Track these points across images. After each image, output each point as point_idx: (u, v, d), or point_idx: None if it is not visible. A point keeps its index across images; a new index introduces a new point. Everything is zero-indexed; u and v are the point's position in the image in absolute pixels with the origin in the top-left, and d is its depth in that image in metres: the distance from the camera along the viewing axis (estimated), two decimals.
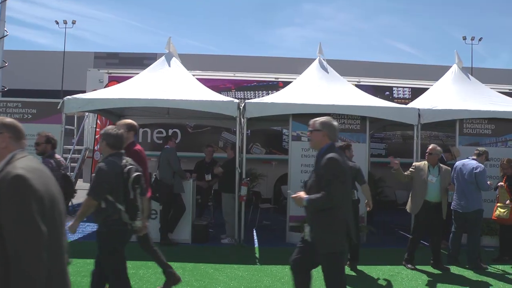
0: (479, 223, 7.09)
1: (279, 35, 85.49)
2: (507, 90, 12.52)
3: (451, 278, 6.38)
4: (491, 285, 6.05)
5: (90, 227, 9.36)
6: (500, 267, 6.96)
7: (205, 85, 9.16)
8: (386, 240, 8.92)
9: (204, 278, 6.01)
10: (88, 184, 11.76)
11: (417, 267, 6.85)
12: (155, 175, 8.15)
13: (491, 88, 10.37)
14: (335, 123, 3.99)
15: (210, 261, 6.81)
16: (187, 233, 8.16)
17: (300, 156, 8.31)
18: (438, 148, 6.98)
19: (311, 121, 3.97)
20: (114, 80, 11.45)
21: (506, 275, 6.56)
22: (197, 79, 9.60)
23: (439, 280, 6.23)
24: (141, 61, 29.22)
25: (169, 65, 9.26)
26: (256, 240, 8.62)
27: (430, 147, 6.96)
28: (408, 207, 7.10)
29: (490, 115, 8.64)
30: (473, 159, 7.12)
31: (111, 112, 10.00)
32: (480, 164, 6.96)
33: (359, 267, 6.74)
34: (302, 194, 3.79)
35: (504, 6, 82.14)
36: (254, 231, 9.35)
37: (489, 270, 6.82)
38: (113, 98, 8.10)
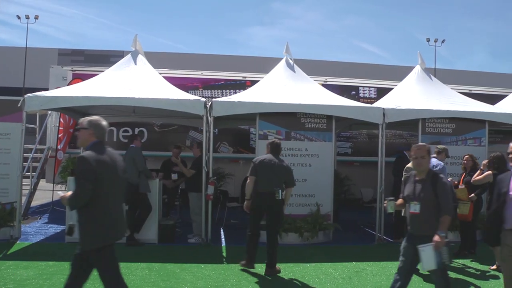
0: None
1: (248, 34, 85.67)
2: (467, 91, 12.94)
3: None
4: (452, 278, 6.23)
5: (53, 229, 9.15)
6: (461, 261, 7.19)
7: (172, 84, 9.07)
8: (351, 237, 9.07)
9: (171, 278, 5.96)
10: (51, 184, 11.55)
11: (381, 263, 7.00)
12: None
13: (452, 89, 10.70)
14: (104, 122, 4.04)
15: (177, 261, 6.76)
16: (154, 233, 8.08)
17: None
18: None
19: (80, 120, 4.02)
20: (78, 77, 11.20)
21: (466, 269, 6.79)
22: (164, 77, 9.50)
23: None
24: (108, 58, 28.64)
25: (135, 63, 9.12)
26: (223, 239, 8.61)
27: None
28: None
29: (450, 114, 8.90)
30: (433, 157, 7.33)
31: (74, 111, 9.78)
32: (440, 162, 7.19)
33: (327, 264, 6.84)
34: (67, 194, 3.80)
35: (466, 10, 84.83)
36: (222, 230, 9.34)
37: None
38: (77, 96, 7.91)
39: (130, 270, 6.19)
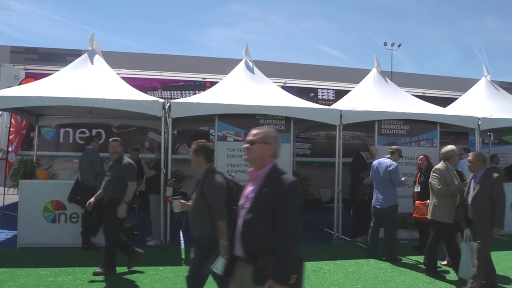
0: (394, 217, 7.54)
1: (208, 35, 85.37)
2: (421, 94, 13.41)
3: (369, 270, 6.71)
4: (404, 274, 6.45)
5: (4, 234, 8.83)
6: (414, 257, 7.44)
7: (131, 84, 8.93)
8: (310, 237, 9.20)
9: (128, 281, 5.88)
10: (1, 188, 11.11)
11: (338, 261, 7.15)
12: (76, 176, 7.85)
13: (406, 92, 11.05)
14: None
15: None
16: None
17: (226, 156, 8.36)
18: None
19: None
20: (31, 76, 10.83)
21: (418, 265, 7.03)
22: (122, 78, 9.34)
23: (358, 273, 6.54)
24: (64, 57, 27.66)
25: (92, 63, 8.92)
26: (182, 241, 8.55)
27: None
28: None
29: (405, 116, 9.20)
30: (387, 157, 7.58)
31: (27, 111, 9.47)
32: (393, 162, 7.43)
33: None
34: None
35: (421, 16, 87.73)
36: (181, 232, 9.27)
37: (404, 261, 7.27)
38: (29, 96, 7.65)
39: (86, 275, 6.07)
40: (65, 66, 9.13)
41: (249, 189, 2.94)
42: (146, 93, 9.47)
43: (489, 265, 5.70)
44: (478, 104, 10.64)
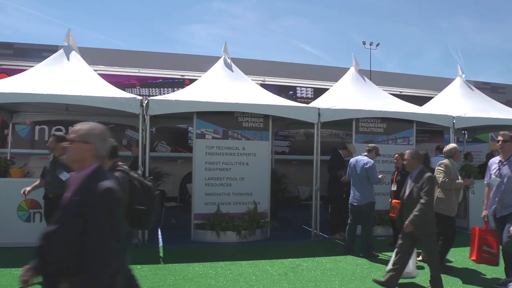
0: (371, 215, 7.65)
1: (189, 32, 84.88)
2: (398, 93, 13.60)
3: (346, 267, 6.80)
4: (380, 270, 6.54)
5: None
6: (390, 254, 7.52)
7: (108, 81, 8.83)
8: (288, 234, 9.25)
9: None
10: None
11: (316, 258, 7.21)
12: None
13: (384, 90, 11.20)
14: None
15: None
16: None
17: (204, 153, 8.35)
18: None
19: None
20: (4, 72, 10.63)
21: None
22: (100, 74, 9.22)
23: (335, 269, 6.61)
24: (40, 53, 27.03)
25: (68, 59, 8.77)
26: (160, 239, 8.51)
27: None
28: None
29: (382, 115, 9.32)
30: (364, 155, 7.67)
31: (0, 108, 9.28)
32: (370, 160, 7.53)
33: (264, 261, 6.94)
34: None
35: (400, 16, 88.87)
36: (159, 230, 9.22)
37: (380, 257, 7.38)
38: (3, 92, 7.48)
39: None
40: (41, 62, 8.97)
41: (65, 195, 2.46)
42: (124, 90, 9.38)
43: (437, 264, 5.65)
44: (453, 103, 10.85)
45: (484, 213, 5.93)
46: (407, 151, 5.89)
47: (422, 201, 5.36)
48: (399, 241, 5.65)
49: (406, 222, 5.40)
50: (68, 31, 9.10)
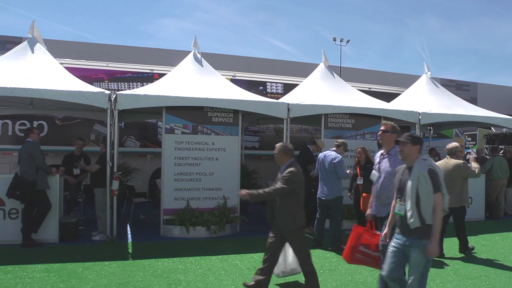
0: (339, 209, 7.77)
1: (158, 26, 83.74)
2: (367, 89, 13.83)
3: (315, 260, 6.86)
4: (348, 264, 6.67)
5: None
6: None
7: (75, 75, 8.64)
8: (258, 229, 9.29)
9: (72, 278, 5.73)
10: None
11: None
12: (16, 171, 7.53)
13: (353, 86, 11.37)
14: None
15: (78, 260, 6.50)
16: (54, 232, 7.67)
17: (173, 149, 8.29)
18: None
19: None
20: None
21: None
22: (66, 68, 9.03)
23: None
24: (3, 45, 26.34)
25: (33, 51, 8.54)
26: (129, 235, 8.41)
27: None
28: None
29: (351, 110, 9.46)
30: (333, 150, 7.78)
31: None
32: (338, 155, 7.64)
33: (233, 256, 6.96)
34: None
35: (369, 13, 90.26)
36: (128, 226, 9.12)
37: None
38: None
39: (26, 273, 5.86)
40: (4, 54, 8.71)
41: None
42: (92, 84, 9.22)
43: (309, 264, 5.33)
44: (419, 99, 11.12)
45: (368, 211, 5.23)
46: (277, 145, 5.26)
47: (277, 185, 4.99)
48: (269, 240, 5.28)
49: (245, 192, 4.99)
50: (32, 23, 8.87)
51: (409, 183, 4.04)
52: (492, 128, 14.57)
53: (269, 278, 5.18)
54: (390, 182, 4.70)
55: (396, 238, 4.16)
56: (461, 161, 7.45)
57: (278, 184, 5.00)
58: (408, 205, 4.02)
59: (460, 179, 7.27)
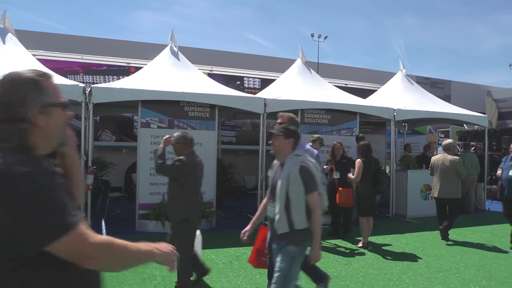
0: None
1: (135, 19, 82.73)
2: (343, 85, 13.95)
3: None
4: (323, 258, 6.73)
5: None
6: (333, 241, 7.81)
7: (48, 67, 8.42)
8: (234, 224, 9.30)
9: None
10: None
11: None
12: None
13: (330, 82, 11.46)
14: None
15: None
16: None
17: (149, 143, 8.21)
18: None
19: None
20: None
21: (337, 248, 7.45)
22: (39, 59, 8.87)
23: None
24: None
25: (4, 42, 8.34)
26: (104, 230, 8.31)
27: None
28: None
29: (327, 106, 9.54)
30: (309, 145, 7.82)
31: None
32: (315, 150, 7.68)
33: (209, 250, 6.96)
34: None
35: (348, 10, 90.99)
36: (103, 221, 9.01)
37: (323, 244, 7.58)
38: None
39: None
40: None
41: None
42: (66, 77, 9.07)
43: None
44: (394, 96, 11.30)
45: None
46: (175, 134, 5.08)
47: (168, 163, 4.99)
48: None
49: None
50: (4, 12, 8.65)
51: (279, 183, 3.61)
52: (464, 125, 14.89)
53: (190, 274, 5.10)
54: None
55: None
56: (457, 158, 7.96)
57: (172, 164, 4.89)
58: (277, 208, 3.61)
59: (455, 173, 7.81)
